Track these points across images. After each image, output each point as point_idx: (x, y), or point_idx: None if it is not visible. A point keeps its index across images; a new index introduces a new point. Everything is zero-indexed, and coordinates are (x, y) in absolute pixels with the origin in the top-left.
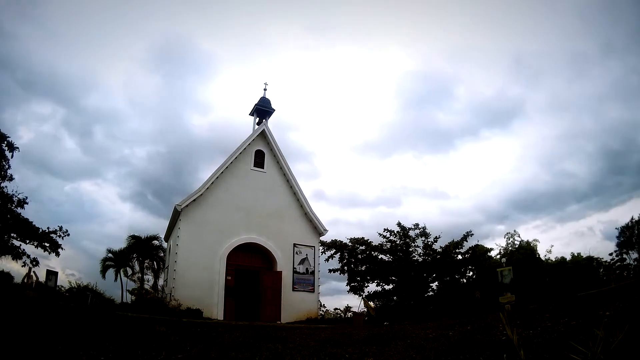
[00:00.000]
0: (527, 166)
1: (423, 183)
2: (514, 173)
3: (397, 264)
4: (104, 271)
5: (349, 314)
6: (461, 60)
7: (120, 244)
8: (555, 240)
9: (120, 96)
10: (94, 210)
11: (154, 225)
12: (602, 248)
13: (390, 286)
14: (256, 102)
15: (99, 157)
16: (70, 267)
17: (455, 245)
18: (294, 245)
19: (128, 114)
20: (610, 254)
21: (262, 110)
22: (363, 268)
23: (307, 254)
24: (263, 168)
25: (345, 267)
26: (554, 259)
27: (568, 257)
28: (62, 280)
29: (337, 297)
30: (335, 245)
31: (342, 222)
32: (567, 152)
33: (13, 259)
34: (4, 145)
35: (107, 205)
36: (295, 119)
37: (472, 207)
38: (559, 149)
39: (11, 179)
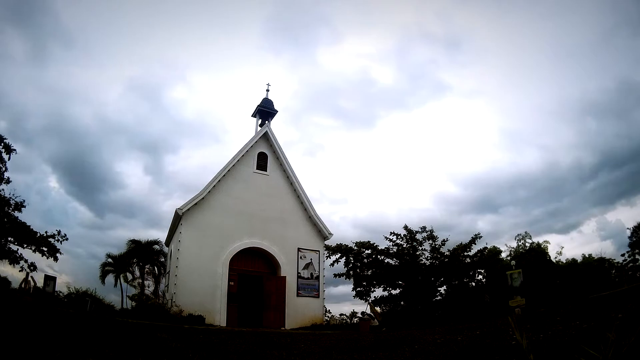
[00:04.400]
0: (492, 145)
1: (364, 171)
2: (472, 153)
3: (404, 268)
4: (103, 276)
5: (355, 320)
6: None
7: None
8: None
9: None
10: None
11: (94, 219)
12: (599, 245)
13: (397, 291)
14: (258, 103)
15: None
16: (61, 270)
17: (463, 248)
18: (298, 249)
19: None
20: (622, 255)
21: (265, 111)
22: (369, 272)
23: (311, 259)
24: (266, 171)
25: (351, 272)
26: (564, 261)
27: (579, 259)
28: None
29: (343, 302)
30: (341, 249)
31: None
32: (544, 126)
33: (10, 264)
34: (1, 147)
35: (48, 196)
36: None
37: (436, 198)
38: (535, 122)
39: (8, 181)
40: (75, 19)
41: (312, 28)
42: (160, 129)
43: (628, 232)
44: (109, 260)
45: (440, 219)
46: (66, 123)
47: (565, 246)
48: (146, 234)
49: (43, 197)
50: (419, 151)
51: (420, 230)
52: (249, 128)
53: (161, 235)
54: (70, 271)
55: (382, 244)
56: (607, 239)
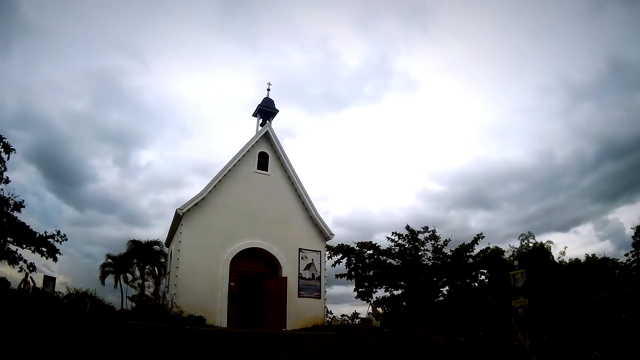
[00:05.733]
0: (475, 137)
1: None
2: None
3: (406, 268)
4: (103, 277)
5: (357, 321)
6: None
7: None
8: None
9: None
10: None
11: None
12: (597, 245)
13: (399, 291)
14: (259, 102)
15: None
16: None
17: (466, 248)
18: (300, 250)
19: None
20: (626, 255)
21: (266, 111)
22: (371, 273)
23: (313, 259)
24: (267, 171)
25: (353, 272)
26: (567, 261)
27: (582, 258)
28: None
29: (342, 303)
30: (342, 249)
31: None
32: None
33: (9, 264)
34: (0, 146)
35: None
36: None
37: (421, 195)
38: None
39: (7, 181)
40: (36, 9)
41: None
42: (128, 122)
43: (630, 232)
44: (109, 260)
45: (428, 216)
46: (32, 116)
47: (563, 245)
48: (129, 231)
49: (25, 193)
50: (399, 146)
51: (422, 230)
52: (237, 126)
53: (144, 232)
54: (66, 271)
55: (375, 242)
56: (606, 239)
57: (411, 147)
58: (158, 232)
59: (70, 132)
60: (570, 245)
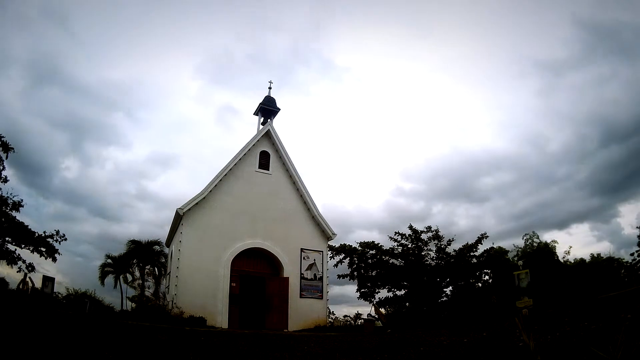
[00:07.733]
0: (455, 126)
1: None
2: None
3: (409, 268)
4: (102, 277)
5: (359, 322)
6: None
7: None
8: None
9: None
10: None
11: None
12: (595, 245)
13: (402, 292)
14: (261, 101)
15: None
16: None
17: (469, 248)
18: (302, 250)
19: None
20: (632, 254)
21: (267, 109)
22: (373, 273)
23: (315, 259)
24: (268, 170)
25: (355, 273)
26: (572, 261)
27: (587, 258)
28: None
29: (345, 304)
30: (345, 249)
31: None
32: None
33: (8, 264)
34: None
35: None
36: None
37: (399, 190)
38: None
39: (6, 180)
40: None
41: None
42: (76, 108)
43: (629, 231)
44: (109, 261)
45: (410, 212)
46: None
47: (561, 242)
48: (107, 228)
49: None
50: (372, 139)
51: (425, 230)
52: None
53: (120, 228)
54: (61, 271)
55: (388, 245)
56: (603, 239)
57: (385, 140)
58: (133, 227)
59: (24, 118)
60: (567, 244)
